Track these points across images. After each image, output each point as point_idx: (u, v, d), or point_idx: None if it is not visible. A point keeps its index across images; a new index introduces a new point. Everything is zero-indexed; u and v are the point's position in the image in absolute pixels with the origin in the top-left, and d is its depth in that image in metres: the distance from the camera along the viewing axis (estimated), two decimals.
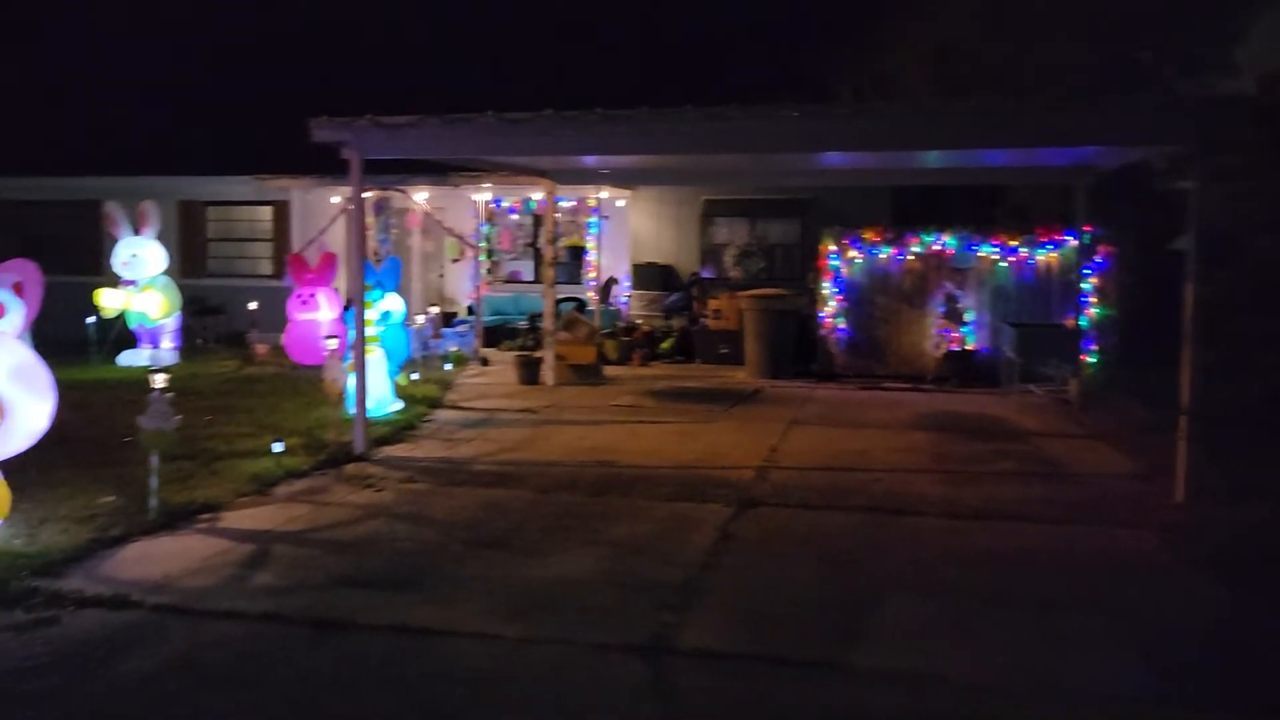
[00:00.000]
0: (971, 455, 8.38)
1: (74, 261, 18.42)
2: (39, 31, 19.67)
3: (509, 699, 3.86)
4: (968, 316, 12.34)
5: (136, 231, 14.15)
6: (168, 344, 14.48)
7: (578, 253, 16.27)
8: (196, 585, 5.00)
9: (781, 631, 4.56)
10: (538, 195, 16.91)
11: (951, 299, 12.35)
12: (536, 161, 11.57)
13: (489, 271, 17.74)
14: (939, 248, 12.38)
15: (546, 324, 12.63)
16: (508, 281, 18.19)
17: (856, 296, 12.68)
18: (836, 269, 12.72)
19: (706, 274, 15.95)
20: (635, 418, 10.04)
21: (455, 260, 16.83)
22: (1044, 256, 12.14)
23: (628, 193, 16.23)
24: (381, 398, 9.56)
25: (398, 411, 9.69)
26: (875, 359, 12.64)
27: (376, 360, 9.54)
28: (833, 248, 12.70)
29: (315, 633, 4.43)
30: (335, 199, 16.93)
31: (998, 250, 12.21)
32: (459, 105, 7.94)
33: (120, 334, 14.49)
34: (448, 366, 13.09)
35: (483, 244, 17.74)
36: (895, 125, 7.44)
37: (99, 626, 4.46)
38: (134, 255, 14.09)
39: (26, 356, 5.49)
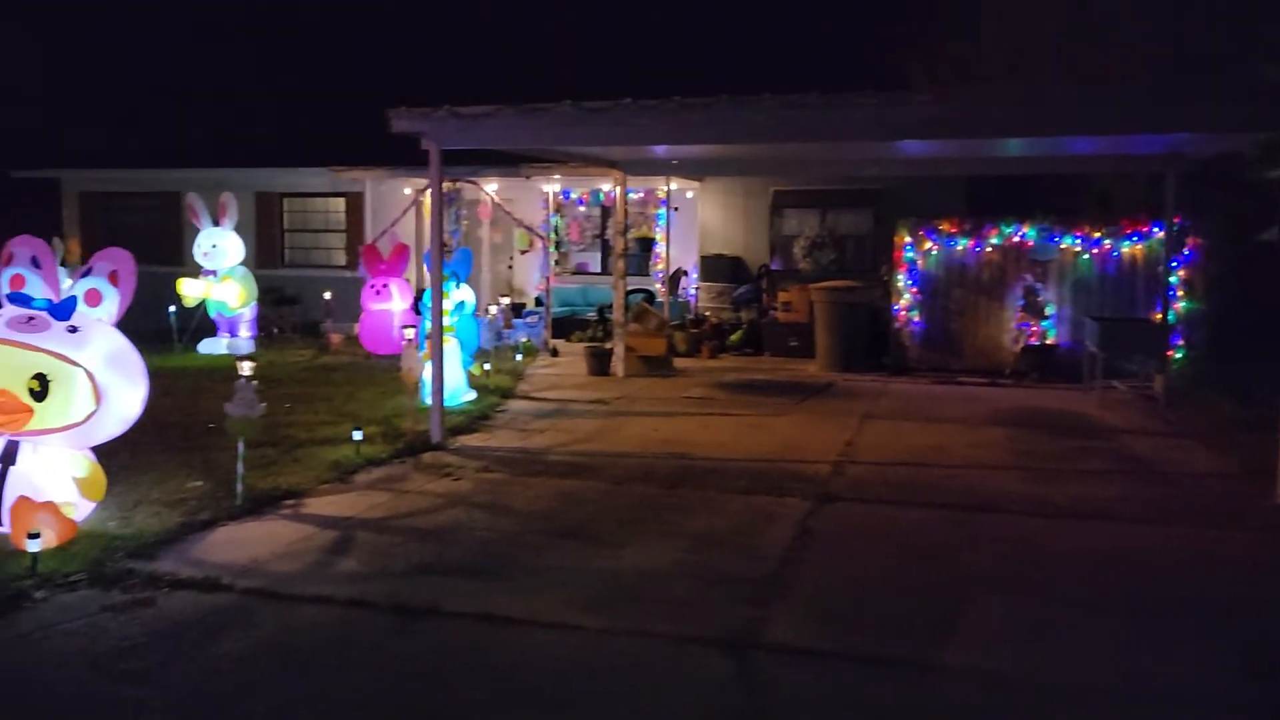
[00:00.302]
0: (1054, 452, 8.17)
1: (155, 252, 18.93)
2: (121, 29, 20.24)
3: (595, 691, 3.85)
4: (1048, 310, 12.03)
5: (216, 222, 14.47)
6: (245, 333, 14.80)
7: (647, 244, 16.24)
8: (284, 570, 5.08)
9: (868, 629, 4.48)
10: (606, 186, 16.92)
11: (1031, 292, 12.06)
12: (608, 152, 11.55)
13: (557, 263, 17.81)
14: (1018, 239, 12.09)
15: (616, 315, 12.62)
16: (575, 273, 18.26)
17: (932, 289, 12.45)
18: (911, 261, 12.50)
19: (775, 266, 15.82)
20: (707, 410, 9.99)
21: (524, 251, 16.91)
22: (1129, 248, 11.78)
23: (696, 184, 16.15)
24: (456, 388, 9.63)
25: (471, 401, 9.77)
26: (950, 353, 12.40)
27: (451, 350, 9.62)
28: (908, 239, 12.48)
29: (401, 619, 4.47)
30: (407, 190, 17.14)
31: (1080, 242, 11.88)
32: (533, 95, 7.96)
33: (200, 323, 14.84)
34: (518, 357, 13.17)
35: (551, 235, 17.82)
36: (981, 112, 7.26)
37: (192, 608, 4.56)
38: (214, 246, 14.40)
39: (122, 343, 5.63)
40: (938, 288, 12.43)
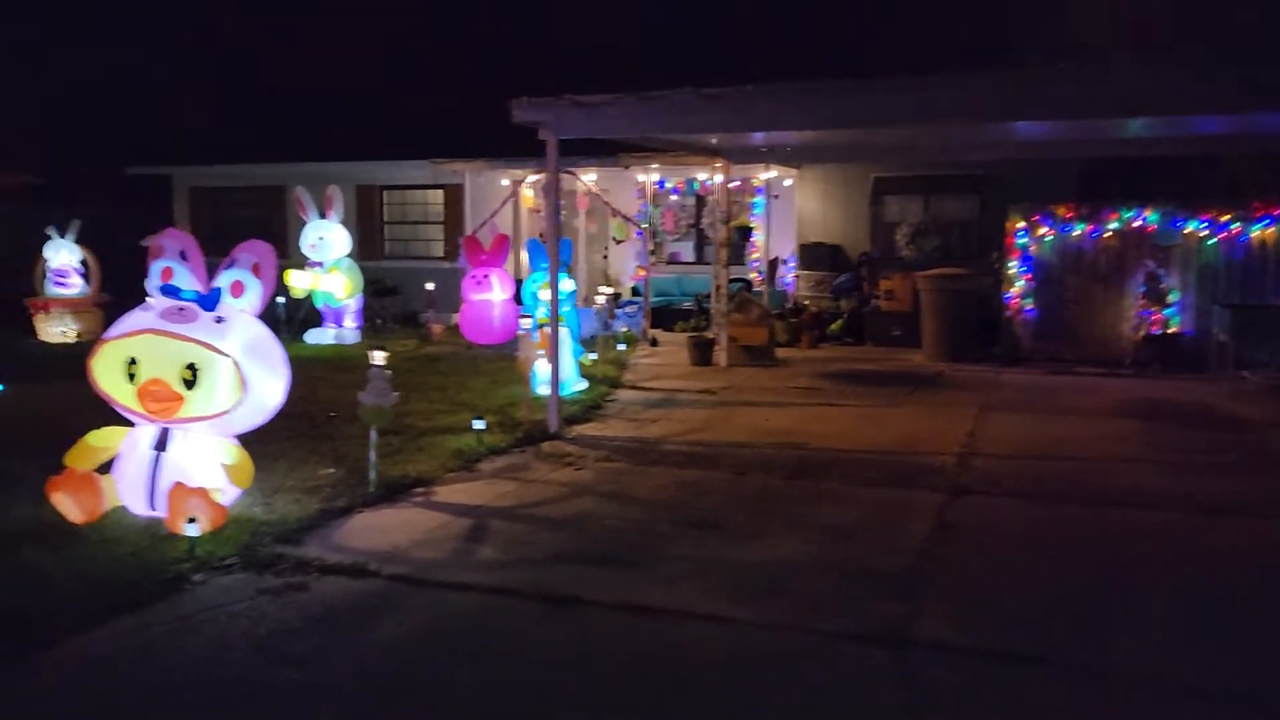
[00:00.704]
0: (1188, 445, 7.85)
1: None
2: (227, 28, 20.85)
3: (751, 685, 3.81)
4: (1171, 297, 11.57)
5: (323, 215, 14.79)
6: (350, 323, 15.12)
7: (745, 233, 16.10)
8: (425, 557, 5.16)
9: (1018, 626, 4.34)
10: (703, 175, 16.85)
11: (1153, 278, 11.61)
12: (712, 140, 11.45)
13: (651, 253, 17.79)
14: (1139, 224, 11.65)
15: (718, 304, 12.54)
16: (669, 262, 18.21)
17: (1046, 276, 12.08)
18: (1024, 247, 12.14)
19: (875, 254, 15.54)
20: (816, 400, 9.86)
21: (619, 241, 16.92)
22: (1259, 232, 11.25)
23: (794, 171, 15.96)
24: (567, 377, 9.68)
25: (582, 391, 9.81)
26: (1065, 342, 12.02)
27: (563, 340, 9.67)
28: (1021, 225, 12.13)
29: (546, 607, 4.49)
30: (504, 181, 17.31)
31: (1206, 226, 11.39)
32: (645, 84, 7.90)
33: (307, 314, 15.23)
34: (621, 347, 13.18)
35: (645, 225, 17.81)
36: (1114, 89, 6.99)
37: (343, 594, 4.65)
38: (321, 238, 14.73)
39: (265, 334, 5.78)
40: (1052, 275, 12.05)
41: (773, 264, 16.16)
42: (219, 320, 5.55)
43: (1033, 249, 12.12)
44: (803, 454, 7.50)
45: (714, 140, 11.50)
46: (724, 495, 6.42)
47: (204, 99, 20.74)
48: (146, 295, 13.76)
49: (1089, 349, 11.86)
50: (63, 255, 15.62)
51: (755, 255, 16.93)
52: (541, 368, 9.85)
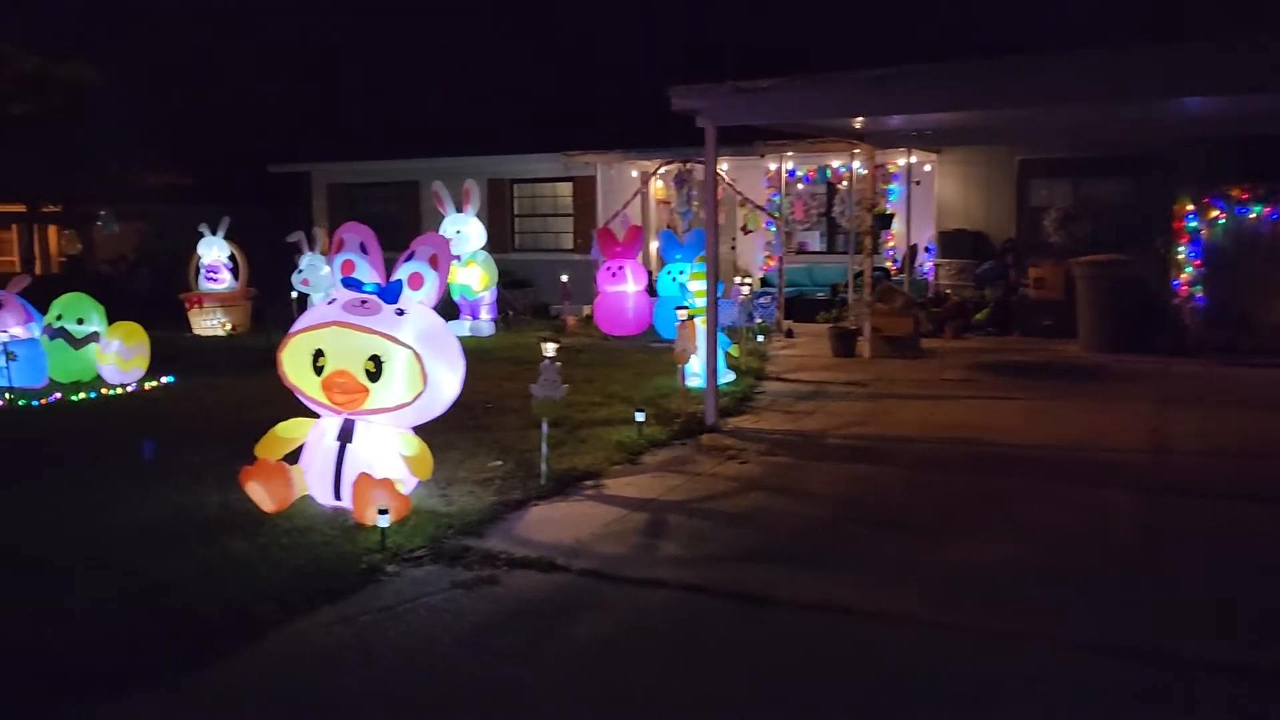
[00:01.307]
0: None
1: (396, 238, 19.93)
2: (361, 27, 21.36)
3: (986, 700, 3.58)
4: None
5: (459, 209, 14.98)
6: (485, 315, 15.29)
7: (885, 221, 15.62)
8: (610, 552, 5.07)
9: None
10: (836, 162, 16.47)
11: None
12: (856, 124, 11.11)
13: (777, 242, 17.48)
14: None
15: (864, 294, 12.20)
16: (798, 252, 17.87)
17: (1218, 261, 11.34)
18: (1195, 231, 11.42)
19: (1021, 240, 14.90)
20: (975, 393, 9.48)
21: (747, 231, 16.68)
22: None
23: (934, 156, 15.44)
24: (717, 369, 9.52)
25: (731, 383, 9.65)
26: (1239, 331, 11.26)
27: (689, 333, 9.51)
28: (1190, 208, 11.41)
29: (745, 607, 4.34)
30: (634, 173, 17.26)
31: None
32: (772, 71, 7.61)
33: (441, 306, 15.44)
34: (760, 338, 12.97)
35: (775, 214, 17.52)
36: None
37: (536, 588, 4.59)
38: (458, 231, 14.92)
39: (442, 327, 5.79)
40: (1225, 260, 11.31)
41: (910, 252, 15.68)
42: (400, 312, 5.58)
43: (1203, 233, 11.39)
44: (977, 450, 7.18)
45: (857, 125, 11.17)
46: (903, 493, 6.18)
47: (339, 96, 21.31)
48: (293, 289, 14.07)
49: (1266, 338, 11.09)
50: (214, 251, 16.25)
51: (891, 244, 16.47)
52: (692, 360, 9.75)
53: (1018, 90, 6.93)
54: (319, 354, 5.51)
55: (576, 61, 19.39)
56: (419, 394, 5.48)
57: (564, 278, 15.68)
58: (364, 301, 5.57)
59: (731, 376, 9.81)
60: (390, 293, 5.61)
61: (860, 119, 10.25)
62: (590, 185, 17.97)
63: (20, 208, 20.62)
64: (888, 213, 14.88)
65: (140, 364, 10.12)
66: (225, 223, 16.17)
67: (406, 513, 5.38)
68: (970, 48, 7.50)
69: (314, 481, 5.67)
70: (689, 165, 15.49)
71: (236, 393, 9.82)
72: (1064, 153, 14.37)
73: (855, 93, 7.17)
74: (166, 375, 10.33)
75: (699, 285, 9.81)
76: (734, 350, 10.34)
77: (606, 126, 16.76)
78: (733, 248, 17.90)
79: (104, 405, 9.27)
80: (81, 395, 9.46)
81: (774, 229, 17.36)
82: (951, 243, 15.26)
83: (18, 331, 9.85)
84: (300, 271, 15.39)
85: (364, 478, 5.37)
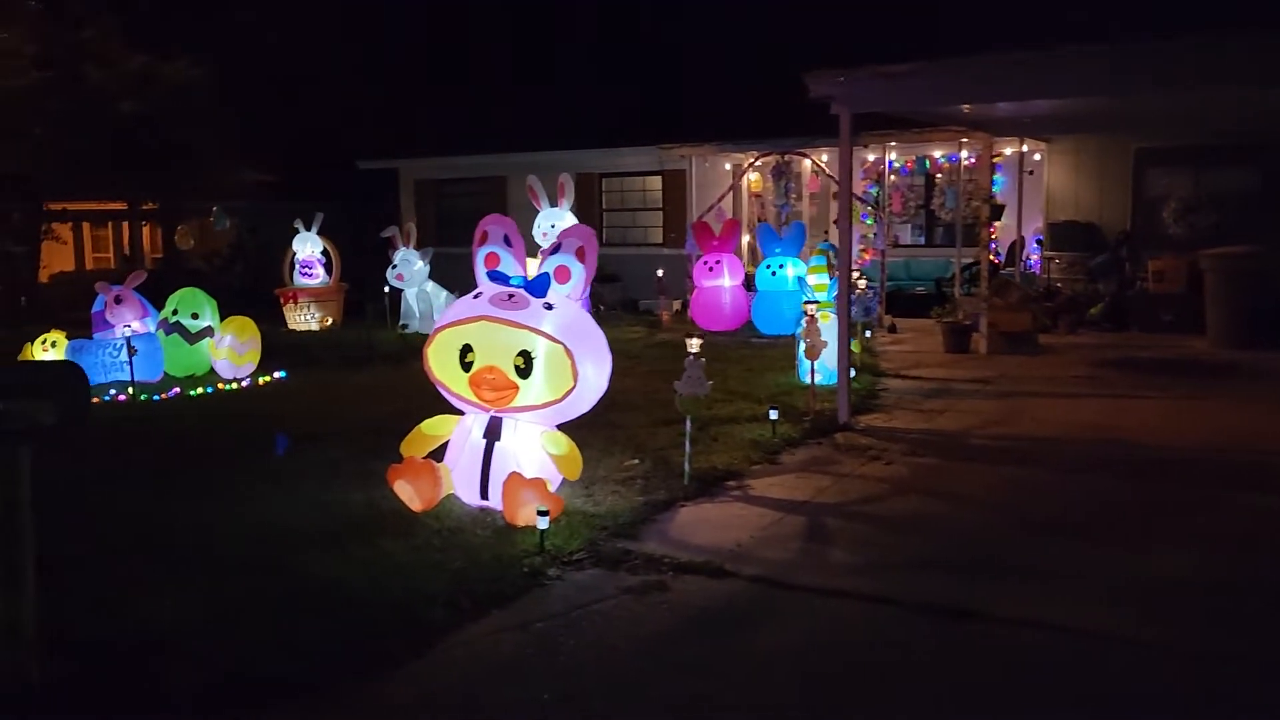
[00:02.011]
0: None
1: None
2: (448, 23, 21.41)
3: None
4: None
5: (554, 204, 14.85)
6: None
7: (996, 212, 15.10)
8: (775, 558, 4.84)
9: None
10: (938, 153, 16.00)
11: None
12: (964, 110, 10.65)
13: (877, 235, 17.05)
14: None
15: (979, 288, 11.78)
16: (895, 245, 17.42)
17: None
18: None
19: (1136, 232, 14.30)
20: (1108, 391, 9.05)
21: (857, 222, 16.25)
22: None
23: (1042, 145, 14.89)
24: (833, 365, 9.23)
25: (852, 379, 9.32)
26: None
27: (831, 327, 9.23)
28: None
29: (935, 621, 4.08)
30: (726, 166, 16.99)
31: None
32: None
33: None
34: (868, 334, 12.61)
35: (871, 207, 17.10)
36: None
37: (708, 595, 4.38)
38: (553, 226, 14.79)
39: (589, 320, 5.61)
40: None
41: (1014, 245, 15.16)
42: (548, 307, 5.41)
43: None
44: (1126, 452, 6.81)
45: (965, 110, 10.71)
46: (1065, 498, 5.85)
47: (427, 93, 21.38)
48: (386, 284, 14.05)
49: None
50: (308, 247, 16.38)
51: (994, 235, 15.95)
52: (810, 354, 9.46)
53: (1195, 71, 6.44)
54: (467, 349, 5.37)
55: (666, 54, 19.15)
56: (569, 391, 5.31)
57: (659, 273, 15.47)
58: (511, 295, 5.42)
59: (852, 373, 9.48)
60: (538, 286, 5.45)
61: (970, 105, 9.79)
62: (681, 179, 17.72)
63: (120, 206, 21.07)
64: (998, 203, 14.37)
65: (252, 359, 10.17)
66: (319, 219, 16.27)
67: (558, 513, 5.21)
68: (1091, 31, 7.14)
69: (460, 480, 5.53)
70: (787, 157, 15.19)
71: (349, 388, 9.81)
72: (1184, 140, 13.72)
73: (1003, 75, 6.81)
74: (278, 370, 10.36)
75: (820, 279, 9.55)
76: (856, 346, 9.98)
77: (700, 119, 16.51)
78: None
79: (222, 400, 9.31)
80: (199, 390, 9.52)
81: (870, 221, 16.98)
82: (1062, 235, 14.71)
83: (135, 326, 9.96)
84: (394, 267, 15.40)
85: (515, 477, 5.21)
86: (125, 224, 26.36)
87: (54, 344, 9.64)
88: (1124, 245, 14.20)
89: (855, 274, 12.70)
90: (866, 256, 16.22)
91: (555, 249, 5.63)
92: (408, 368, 11.27)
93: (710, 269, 14.17)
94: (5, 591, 3.37)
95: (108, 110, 14.38)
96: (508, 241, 5.72)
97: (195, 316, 10.10)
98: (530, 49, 20.64)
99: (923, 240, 17.18)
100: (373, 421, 7.99)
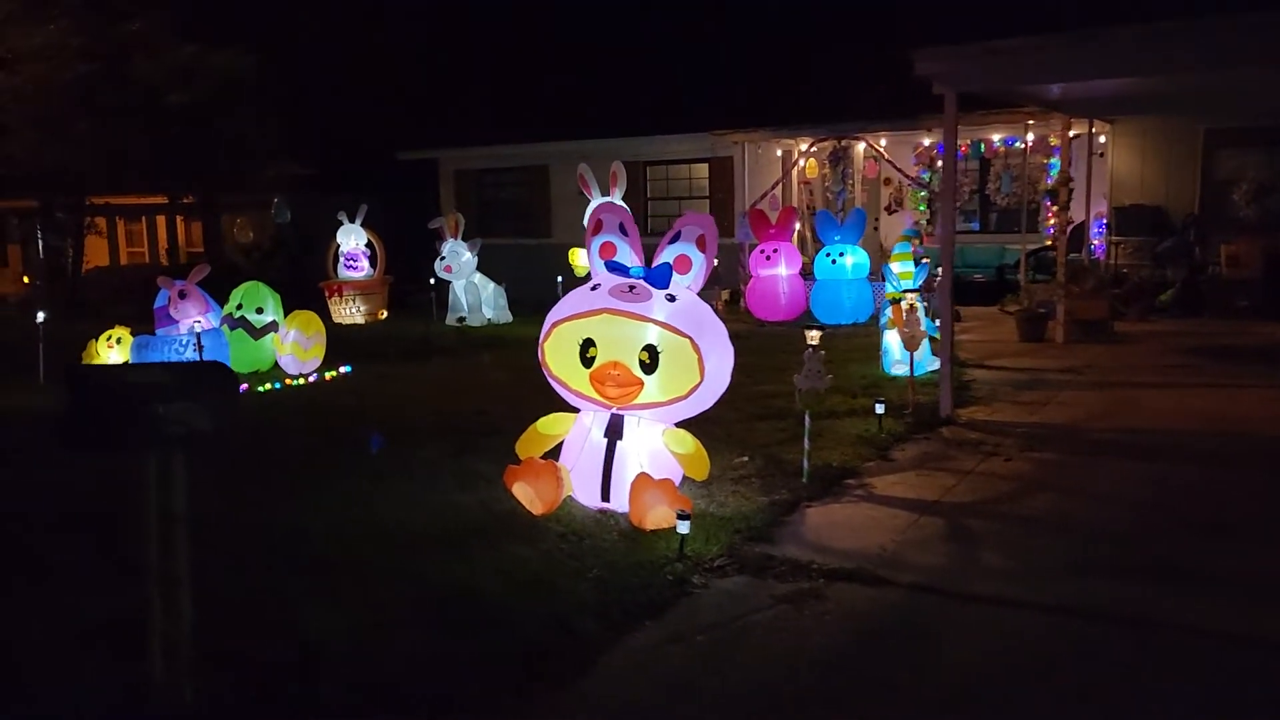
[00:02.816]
0: None
1: (525, 224, 19.72)
2: (487, 9, 21.11)
3: None
4: None
5: (606, 192, 14.57)
6: None
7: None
8: (927, 563, 4.57)
9: None
10: (997, 137, 15.62)
11: None
12: (1053, 91, 10.31)
13: (929, 221, 16.71)
14: None
15: (1059, 274, 11.46)
16: None
17: None
18: None
19: (1205, 215, 13.92)
20: (1208, 380, 8.75)
21: (894, 211, 15.98)
22: None
23: (1107, 127, 14.49)
24: (922, 357, 8.94)
25: (935, 370, 9.03)
26: None
27: (918, 317, 8.94)
28: None
29: (1122, 631, 3.81)
30: (778, 152, 16.66)
31: None
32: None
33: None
34: (936, 322, 12.28)
35: (923, 193, 16.76)
36: None
37: (869, 605, 4.12)
38: None
39: (711, 315, 5.35)
40: None
41: (1076, 230, 14.79)
42: (670, 299, 5.15)
43: None
44: (1255, 444, 6.53)
45: (1055, 91, 10.36)
46: (1214, 494, 5.56)
47: (465, 82, 21.10)
48: (433, 276, 13.80)
49: None
50: (352, 240, 16.17)
51: (1050, 221, 15.58)
52: (892, 343, 9.19)
53: None
54: (588, 344, 5.12)
55: (711, 38, 18.80)
56: (695, 386, 5.05)
57: (714, 261, 15.13)
58: (632, 287, 5.16)
59: (937, 364, 9.19)
60: (660, 277, 5.19)
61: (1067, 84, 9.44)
62: (728, 166, 17.39)
63: (160, 200, 20.91)
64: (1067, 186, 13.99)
65: (317, 354, 9.96)
66: (363, 210, 16.06)
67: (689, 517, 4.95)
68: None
69: (578, 481, 5.29)
70: (844, 142, 14.86)
71: (417, 383, 9.59)
72: (1256, 122, 13.32)
73: (1130, 50, 6.47)
74: (343, 365, 10.15)
75: (903, 267, 9.25)
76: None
77: (750, 105, 16.16)
78: (875, 229, 17.19)
79: (292, 396, 9.11)
80: (266, 386, 9.31)
81: (924, 207, 16.65)
82: (1129, 219, 14.33)
83: (199, 321, 9.76)
84: (442, 258, 15.17)
85: (644, 478, 4.96)
86: (160, 218, 26.32)
87: (119, 340, 9.46)
88: (1192, 229, 13.82)
89: (925, 260, 12.42)
90: (917, 244, 15.87)
91: (674, 237, 5.36)
92: (470, 361, 11.10)
93: (767, 258, 13.89)
94: (162, 607, 3.14)
95: (155, 103, 14.17)
96: (623, 230, 5.45)
97: (260, 311, 9.90)
98: (570, 35, 20.31)
99: (976, 226, 16.83)
100: (452, 418, 7.80)
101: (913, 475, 6.00)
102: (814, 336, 5.86)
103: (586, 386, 5.15)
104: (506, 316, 15.23)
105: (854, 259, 13.54)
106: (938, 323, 10.99)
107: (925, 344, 9.24)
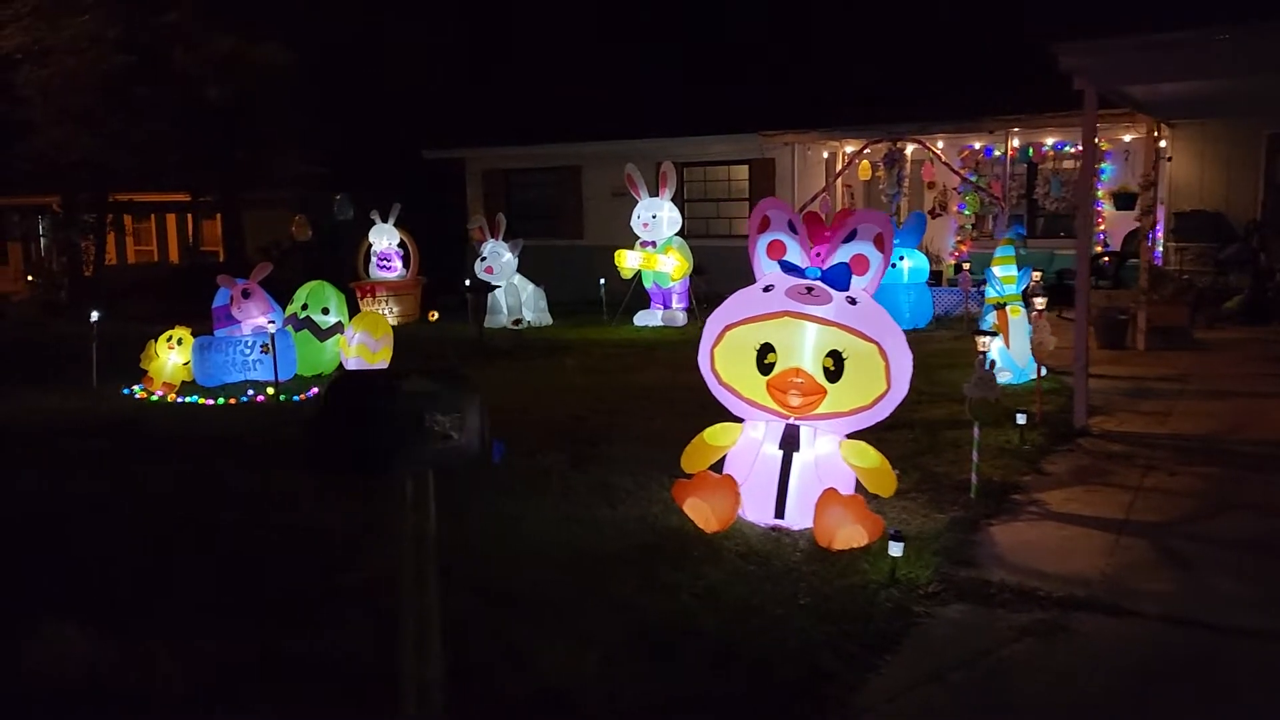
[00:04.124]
0: None
1: (556, 225, 19.27)
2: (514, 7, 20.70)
3: None
4: None
5: (655, 193, 14.20)
6: (677, 305, 14.51)
7: (1129, 200, 14.48)
8: (1158, 590, 4.20)
9: None
10: (1049, 140, 15.33)
11: None
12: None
13: (974, 225, 16.42)
14: None
15: (1142, 280, 11.15)
16: (990, 237, 16.78)
17: None
18: None
19: (1267, 221, 13.67)
20: None
21: (937, 215, 15.68)
22: None
23: (1166, 132, 14.23)
24: (1026, 364, 8.61)
25: (1035, 379, 8.69)
26: None
27: (1019, 324, 8.61)
28: None
29: None
30: (825, 154, 16.32)
31: None
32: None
33: (634, 295, 14.67)
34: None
35: (967, 196, 16.46)
36: None
37: (1127, 640, 3.74)
38: (654, 216, 14.16)
39: (888, 317, 4.97)
40: None
41: (1131, 235, 14.53)
42: (851, 301, 4.78)
43: None
44: None
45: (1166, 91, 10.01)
46: None
47: (490, 81, 20.67)
48: (470, 276, 13.36)
49: None
50: (384, 240, 15.71)
51: (1101, 226, 15.33)
52: (995, 354, 8.84)
53: None
54: (765, 349, 4.73)
55: (755, 38, 18.45)
56: (881, 395, 4.68)
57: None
58: (810, 289, 4.78)
59: (1043, 371, 8.84)
60: (839, 278, 4.82)
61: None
62: (769, 168, 17.07)
63: (182, 197, 20.38)
64: (1132, 190, 13.77)
65: (385, 356, 9.51)
66: (396, 209, 15.61)
67: (879, 535, 4.57)
68: None
69: (747, 496, 4.90)
70: (900, 144, 14.54)
71: (495, 388, 9.11)
72: None
73: None
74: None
75: (1006, 271, 8.90)
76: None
77: (797, 105, 15.83)
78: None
79: None
80: None
81: (968, 211, 16.34)
82: (1188, 225, 14.06)
83: (263, 322, 9.32)
84: (483, 259, 14.73)
85: (831, 495, 4.58)
86: (170, 216, 25.76)
87: (179, 341, 9.00)
88: (1255, 235, 13.56)
89: (966, 265, 12.11)
90: (964, 248, 15.59)
91: (850, 235, 4.99)
92: (535, 364, 10.67)
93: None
94: (414, 645, 2.73)
95: (192, 96, 13.68)
96: (792, 227, 5.08)
97: (325, 312, 9.46)
98: (604, 33, 19.92)
99: (1023, 231, 16.52)
100: (552, 426, 7.39)
101: (1080, 491, 5.64)
102: (986, 344, 5.50)
103: (762, 395, 4.77)
104: (547, 319, 14.83)
105: (912, 263, 13.23)
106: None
107: (1027, 352, 8.92)
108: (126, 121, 13.52)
